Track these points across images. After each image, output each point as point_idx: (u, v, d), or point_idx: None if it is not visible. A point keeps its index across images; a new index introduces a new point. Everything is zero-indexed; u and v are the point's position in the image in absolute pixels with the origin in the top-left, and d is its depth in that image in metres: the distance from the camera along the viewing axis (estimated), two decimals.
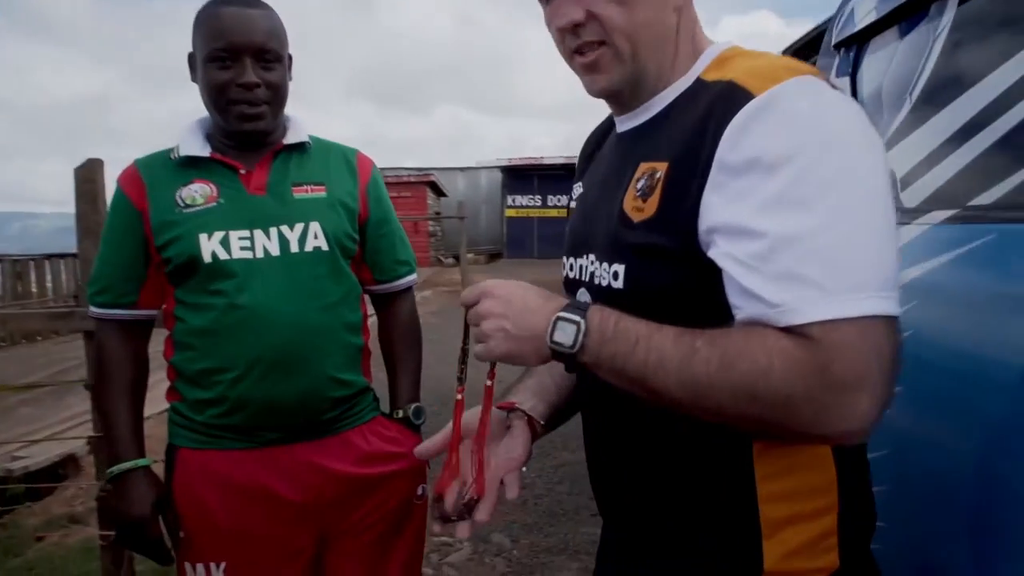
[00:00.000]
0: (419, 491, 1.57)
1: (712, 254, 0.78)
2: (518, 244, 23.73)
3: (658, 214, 0.85)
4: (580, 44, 0.91)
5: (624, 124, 1.01)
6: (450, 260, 21.61)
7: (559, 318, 0.80)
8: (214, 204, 1.40)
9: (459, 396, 0.99)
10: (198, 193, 1.40)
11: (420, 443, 1.57)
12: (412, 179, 22.75)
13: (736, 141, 0.77)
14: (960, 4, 1.43)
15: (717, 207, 0.78)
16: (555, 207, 23.39)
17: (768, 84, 0.78)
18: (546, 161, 22.93)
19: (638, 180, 0.90)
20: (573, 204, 1.15)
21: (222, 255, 1.37)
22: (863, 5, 1.87)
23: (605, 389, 0.84)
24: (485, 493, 0.98)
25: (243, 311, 1.36)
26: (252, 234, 1.39)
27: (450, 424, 1.02)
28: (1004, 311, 1.04)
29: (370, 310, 1.61)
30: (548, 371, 1.13)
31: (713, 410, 0.74)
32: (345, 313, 1.48)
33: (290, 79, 1.46)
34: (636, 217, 0.88)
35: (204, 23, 1.37)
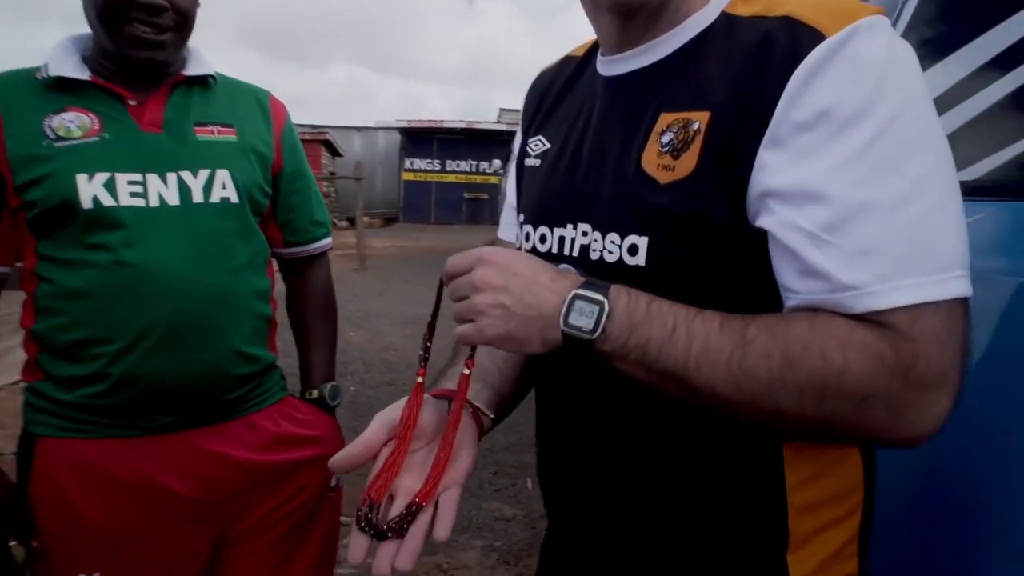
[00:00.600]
0: (332, 482, 1.39)
1: (765, 223, 0.65)
2: (415, 209, 23.36)
3: (697, 173, 0.69)
4: None
5: (622, 64, 0.83)
6: (344, 223, 21.02)
7: (576, 296, 0.66)
8: (96, 139, 1.14)
9: (420, 379, 0.80)
10: (74, 123, 1.14)
11: (335, 427, 1.42)
12: (306, 137, 21.82)
13: (805, 88, 0.63)
14: None
15: (777, 166, 0.64)
16: (453, 172, 23.18)
17: (843, 22, 0.64)
18: (446, 125, 22.63)
19: (661, 133, 0.74)
20: (532, 162, 0.95)
21: (106, 200, 1.12)
22: None
23: (596, 370, 0.70)
24: (435, 502, 0.75)
25: (132, 269, 1.12)
26: (145, 178, 1.16)
27: (378, 422, 0.79)
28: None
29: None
30: (487, 353, 0.93)
31: (769, 412, 0.62)
32: (253, 278, 1.27)
33: (199, 5, 1.23)
34: (664, 178, 0.72)
35: None
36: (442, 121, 22.80)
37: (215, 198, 1.21)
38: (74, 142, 1.13)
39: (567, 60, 0.99)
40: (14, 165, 1.12)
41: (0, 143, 1.12)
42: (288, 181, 1.38)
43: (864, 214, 0.60)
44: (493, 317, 0.69)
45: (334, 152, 23.59)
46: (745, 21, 0.72)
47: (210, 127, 1.25)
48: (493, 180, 19.85)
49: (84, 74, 1.17)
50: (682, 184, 0.70)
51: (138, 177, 1.15)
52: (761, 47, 0.68)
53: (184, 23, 1.19)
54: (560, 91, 0.97)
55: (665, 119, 0.74)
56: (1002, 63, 1.09)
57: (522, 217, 0.93)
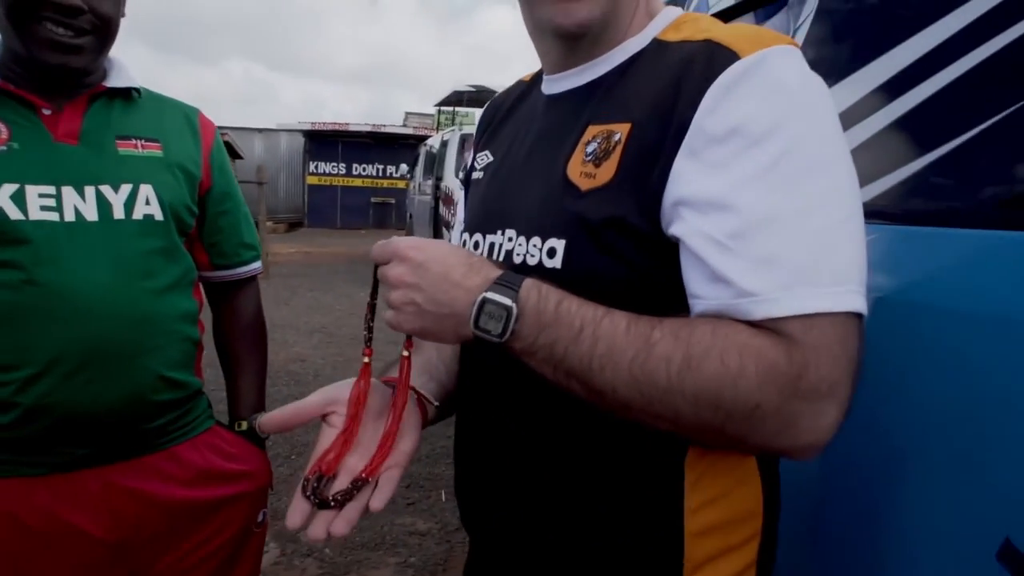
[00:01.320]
0: (259, 517, 1.33)
1: (676, 231, 0.68)
2: (320, 213, 22.81)
3: (615, 181, 0.73)
4: None
5: (561, 83, 0.88)
6: None
7: (486, 300, 0.67)
8: (3, 148, 1.07)
9: (366, 359, 0.83)
10: None
11: (265, 461, 1.36)
12: None
13: (719, 103, 0.68)
14: None
15: (691, 176, 0.68)
16: (359, 176, 22.79)
17: (755, 46, 0.69)
18: (352, 128, 22.23)
19: (587, 144, 0.78)
20: (478, 175, 1.00)
21: (13, 214, 1.05)
22: None
23: (508, 369, 0.72)
24: (380, 476, 0.79)
25: (43, 289, 1.05)
26: (59, 191, 1.09)
27: (320, 394, 0.83)
28: None
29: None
30: (435, 347, 0.99)
31: (667, 417, 0.64)
32: (180, 299, 1.22)
33: (123, 15, 1.16)
34: (585, 184, 0.76)
35: None
36: (347, 124, 22.34)
37: (138, 215, 1.15)
38: None
39: (518, 84, 1.04)
40: None
41: None
42: (216, 201, 1.33)
43: (768, 225, 0.63)
44: (407, 313, 0.72)
45: (234, 154, 22.77)
46: (673, 45, 0.78)
47: (133, 141, 1.19)
48: (400, 184, 19.66)
49: None
50: (601, 191, 0.74)
51: (51, 190, 1.08)
52: (682, 66, 0.73)
53: (104, 28, 1.13)
54: (507, 110, 1.01)
55: (592, 131, 0.79)
56: (886, 91, 1.15)
57: (463, 226, 0.97)
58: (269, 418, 0.82)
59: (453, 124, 16.76)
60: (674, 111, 0.70)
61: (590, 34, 0.81)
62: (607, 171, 0.74)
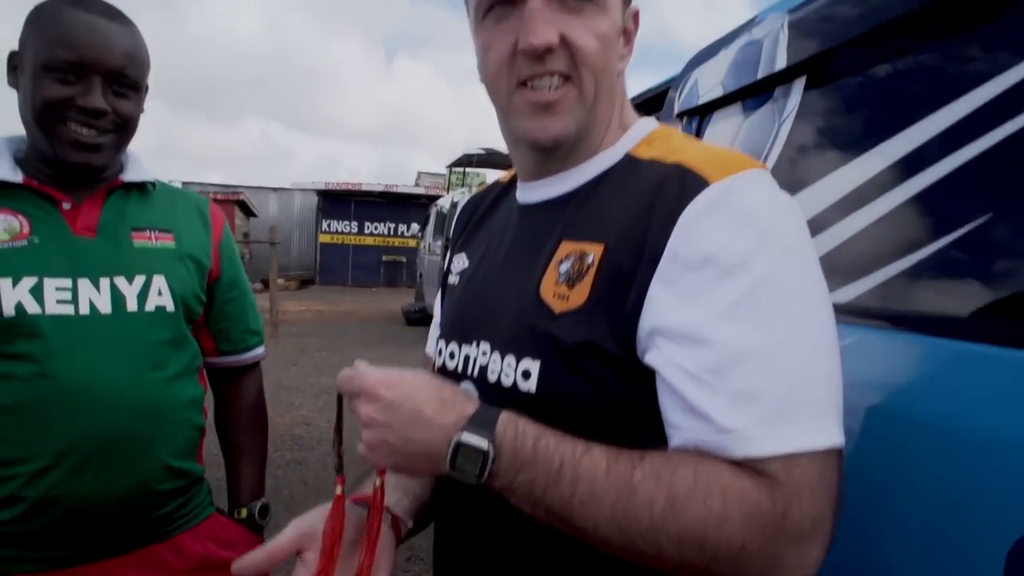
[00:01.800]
0: None
1: (652, 360, 0.69)
2: (332, 271, 23.03)
3: (589, 305, 0.74)
4: (540, 73, 0.77)
5: (535, 192, 0.89)
6: (258, 285, 20.50)
7: (461, 443, 0.66)
8: (24, 243, 1.11)
9: (338, 489, 0.81)
10: (2, 227, 1.11)
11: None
12: (219, 196, 21.35)
13: (692, 232, 0.69)
14: (806, 89, 1.49)
15: (666, 304, 0.68)
16: (371, 235, 23.06)
17: (725, 172, 0.71)
18: (364, 188, 22.58)
19: (560, 262, 0.79)
20: (453, 279, 1.01)
21: (31, 308, 1.08)
22: (707, 77, 1.93)
23: (485, 500, 0.71)
24: None
25: (55, 382, 1.07)
26: (75, 284, 1.13)
27: (294, 529, 0.81)
28: None
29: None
30: None
31: (650, 555, 0.64)
32: (187, 387, 1.25)
33: (143, 111, 1.22)
34: (559, 307, 0.76)
35: (49, 24, 1.11)
36: (360, 184, 22.72)
37: (150, 306, 1.19)
38: (1, 246, 1.10)
39: (495, 185, 1.04)
40: None
41: None
42: (224, 289, 1.37)
43: (744, 359, 0.64)
44: (381, 452, 0.71)
45: (248, 212, 23.13)
46: (644, 163, 0.79)
47: (148, 232, 1.24)
48: (411, 243, 19.84)
49: (17, 176, 1.15)
50: (574, 314, 0.74)
51: (67, 283, 1.12)
52: (654, 189, 0.74)
53: (125, 127, 1.19)
54: (484, 213, 1.02)
55: (565, 248, 0.79)
56: (869, 188, 1.18)
57: (438, 331, 0.97)
58: (242, 562, 0.79)
59: (464, 184, 17.02)
60: (647, 237, 0.71)
61: (564, 147, 0.82)
62: (580, 294, 0.74)
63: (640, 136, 0.85)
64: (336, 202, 23.13)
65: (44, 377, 1.08)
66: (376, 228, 23.07)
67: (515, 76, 0.79)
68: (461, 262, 1.00)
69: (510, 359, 0.78)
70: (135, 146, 1.29)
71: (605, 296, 0.73)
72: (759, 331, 0.65)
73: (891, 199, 1.14)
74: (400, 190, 22.72)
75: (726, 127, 1.80)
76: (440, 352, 0.93)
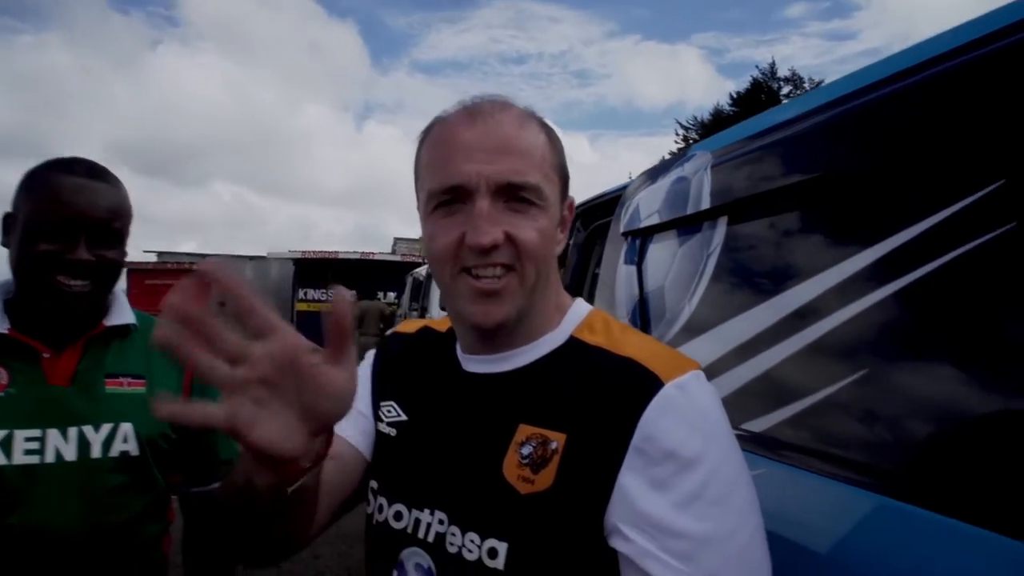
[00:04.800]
0: None
1: (622, 547, 0.75)
2: (308, 338, 22.73)
3: (555, 489, 0.79)
4: (484, 264, 0.83)
5: (481, 365, 0.92)
6: None
7: None
8: (1, 394, 1.18)
9: None
10: None
11: None
12: (193, 267, 21.22)
13: (653, 429, 0.77)
14: (729, 224, 1.60)
15: (635, 494, 0.75)
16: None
17: (674, 372, 0.80)
18: (341, 256, 22.62)
19: (521, 444, 0.83)
20: (387, 430, 0.98)
21: None
22: (646, 203, 2.06)
23: None
24: None
25: (14, 532, 1.12)
26: (44, 434, 1.19)
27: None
28: None
29: None
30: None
31: None
32: (150, 525, 1.29)
33: (126, 255, 1.31)
34: (524, 489, 0.80)
35: (38, 190, 1.21)
36: (336, 252, 22.80)
37: (114, 452, 1.23)
38: None
39: (426, 330, 1.07)
40: None
41: None
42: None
43: (707, 545, 0.73)
44: None
45: None
46: (591, 349, 0.86)
47: (121, 379, 1.29)
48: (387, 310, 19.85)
49: (3, 326, 1.21)
50: (541, 497, 0.79)
51: (37, 433, 1.18)
52: (610, 382, 0.81)
53: (107, 275, 1.27)
54: (416, 362, 1.02)
55: (524, 431, 0.83)
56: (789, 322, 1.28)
57: (375, 485, 0.97)
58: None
59: None
60: (610, 431, 0.78)
61: (506, 329, 0.87)
62: (546, 478, 0.79)
63: (579, 318, 0.92)
64: (312, 269, 23.14)
65: (4, 529, 1.13)
66: (353, 295, 23.07)
67: (460, 264, 0.84)
68: (393, 411, 0.99)
69: (472, 535, 0.82)
70: None
71: (571, 483, 0.78)
72: (716, 518, 0.74)
73: (792, 344, 1.26)
74: (377, 257, 22.79)
75: (664, 251, 1.93)
76: (382, 509, 0.93)
